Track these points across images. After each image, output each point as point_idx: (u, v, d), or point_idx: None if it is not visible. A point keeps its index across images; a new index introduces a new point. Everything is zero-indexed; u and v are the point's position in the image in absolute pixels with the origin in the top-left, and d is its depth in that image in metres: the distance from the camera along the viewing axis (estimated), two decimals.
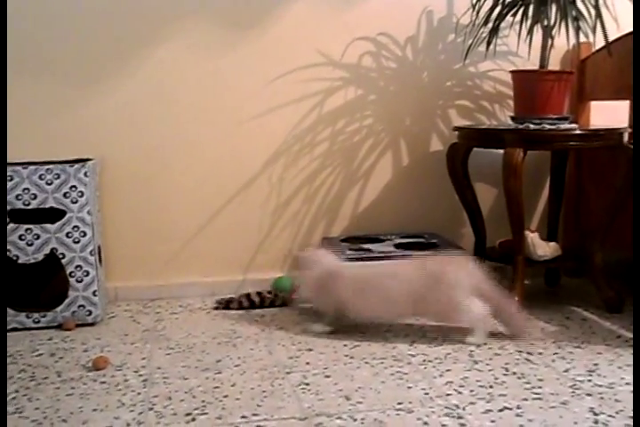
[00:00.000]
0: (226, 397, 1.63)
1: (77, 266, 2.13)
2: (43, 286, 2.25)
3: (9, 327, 2.12)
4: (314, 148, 2.50)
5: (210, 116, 2.42)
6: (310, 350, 1.94)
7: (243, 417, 1.53)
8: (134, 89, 2.36)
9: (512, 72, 2.34)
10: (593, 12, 2.13)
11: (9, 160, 2.25)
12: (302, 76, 2.44)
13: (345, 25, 2.43)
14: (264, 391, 1.66)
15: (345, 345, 1.97)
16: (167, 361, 1.87)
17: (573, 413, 1.53)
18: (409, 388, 1.67)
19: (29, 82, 2.30)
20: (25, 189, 2.07)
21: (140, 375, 1.77)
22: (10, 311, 2.12)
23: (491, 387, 1.67)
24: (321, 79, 2.45)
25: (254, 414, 1.54)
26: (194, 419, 1.52)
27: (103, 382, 1.73)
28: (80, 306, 2.15)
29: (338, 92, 2.47)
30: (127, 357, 1.91)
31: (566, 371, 1.76)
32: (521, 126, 2.19)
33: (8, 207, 2.07)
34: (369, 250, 2.25)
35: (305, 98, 2.46)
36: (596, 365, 1.80)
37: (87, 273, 2.14)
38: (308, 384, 1.70)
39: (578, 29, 2.17)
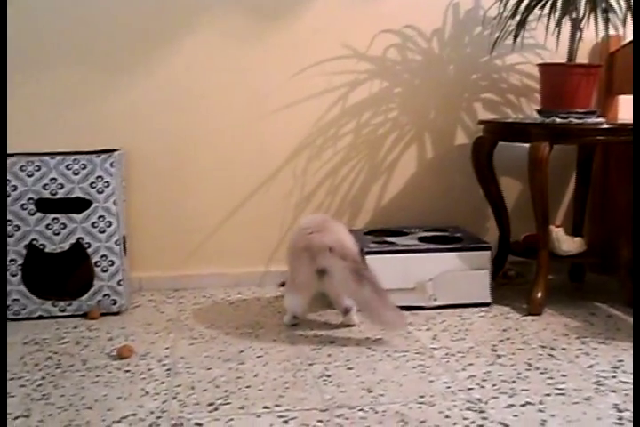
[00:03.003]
0: (248, 387, 1.65)
1: (103, 255, 2.15)
2: (69, 275, 2.27)
3: (35, 315, 2.15)
4: (338, 140, 2.49)
5: (235, 108, 2.42)
6: (332, 342, 1.94)
7: (265, 408, 1.54)
8: (161, 80, 2.37)
9: (539, 65, 2.32)
10: (623, 3, 2.10)
11: (37, 150, 2.28)
12: (327, 69, 2.43)
13: (371, 17, 2.42)
14: (286, 382, 1.67)
15: (367, 338, 1.97)
16: (190, 351, 1.89)
17: (597, 409, 1.52)
18: (431, 381, 1.67)
19: (57, 73, 2.32)
20: (52, 178, 2.09)
21: (164, 365, 1.79)
22: (36, 299, 2.15)
23: (513, 382, 1.67)
24: (346, 72, 2.45)
25: (276, 405, 1.55)
26: (216, 409, 1.54)
27: (127, 371, 1.75)
28: (105, 295, 2.18)
29: (363, 85, 2.47)
30: (151, 346, 1.93)
31: (590, 367, 1.75)
32: (547, 120, 2.17)
33: (35, 197, 2.09)
34: (392, 243, 2.25)
35: (330, 90, 2.45)
36: (620, 361, 1.79)
37: (112, 263, 2.16)
38: (329, 376, 1.71)
39: (607, 22, 2.14)
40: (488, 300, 2.24)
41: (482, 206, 2.54)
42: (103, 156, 2.12)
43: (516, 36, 2.26)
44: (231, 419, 1.49)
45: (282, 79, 2.42)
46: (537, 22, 2.38)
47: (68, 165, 2.10)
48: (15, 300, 2.13)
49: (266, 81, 2.42)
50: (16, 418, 1.50)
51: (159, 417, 1.50)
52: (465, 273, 2.21)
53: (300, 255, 1.95)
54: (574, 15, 2.19)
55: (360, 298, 1.90)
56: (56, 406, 1.56)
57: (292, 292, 2.02)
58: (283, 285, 2.49)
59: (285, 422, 1.47)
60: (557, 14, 2.19)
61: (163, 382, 1.68)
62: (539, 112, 2.28)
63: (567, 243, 2.26)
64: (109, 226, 2.14)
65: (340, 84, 2.45)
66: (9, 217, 2.09)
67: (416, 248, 2.21)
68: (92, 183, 2.11)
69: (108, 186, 2.12)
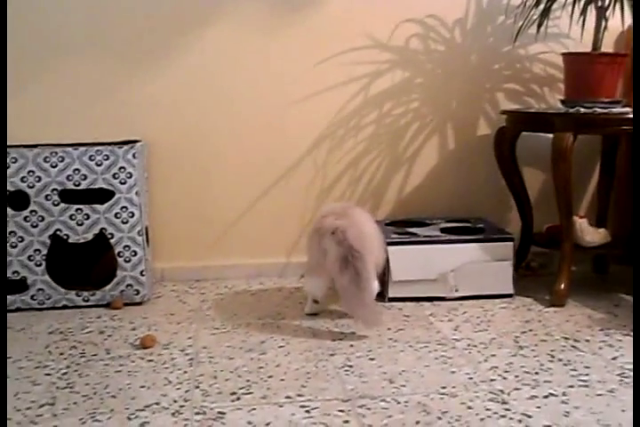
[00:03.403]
0: (270, 377, 1.65)
1: (126, 246, 2.17)
2: (92, 266, 2.29)
3: (60, 305, 2.17)
4: (359, 131, 2.49)
5: (256, 98, 2.42)
6: (354, 333, 1.94)
7: (287, 397, 1.54)
8: (182, 71, 2.38)
9: (563, 54, 2.29)
10: None
11: (59, 141, 2.30)
12: (349, 59, 2.42)
13: (392, 7, 2.40)
14: (308, 373, 1.68)
15: (389, 329, 1.97)
16: (212, 341, 1.90)
17: (621, 401, 1.51)
18: (453, 372, 1.67)
19: (80, 64, 2.34)
20: (75, 169, 2.11)
21: (187, 354, 1.80)
22: (60, 289, 2.17)
23: (536, 373, 1.66)
24: (368, 62, 2.44)
25: (298, 395, 1.55)
26: (239, 398, 1.55)
27: (150, 361, 1.77)
28: (128, 285, 2.19)
29: (384, 75, 2.46)
30: (173, 336, 1.94)
31: (614, 359, 1.74)
32: (571, 110, 2.15)
33: (59, 188, 2.11)
34: (414, 234, 2.24)
35: (351, 81, 2.44)
36: None
37: (135, 253, 2.17)
38: (351, 366, 1.71)
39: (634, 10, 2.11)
40: (510, 291, 2.23)
41: (504, 197, 2.52)
42: (125, 147, 2.13)
43: (539, 25, 2.23)
44: (253, 408, 1.50)
45: (304, 69, 2.42)
46: (561, 11, 2.36)
47: (91, 156, 2.11)
48: (40, 290, 2.15)
49: (288, 71, 2.41)
50: (41, 406, 1.52)
51: (182, 406, 1.51)
52: (487, 264, 2.20)
53: (312, 237, 1.97)
54: (599, 3, 2.15)
55: (339, 286, 1.88)
56: (81, 394, 1.58)
57: (310, 274, 2.05)
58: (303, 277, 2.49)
59: (307, 411, 1.48)
60: (582, 2, 2.16)
61: (185, 372, 1.69)
62: (562, 102, 2.25)
63: (591, 234, 2.24)
64: (132, 217, 2.15)
65: (361, 75, 2.44)
66: (33, 208, 2.11)
67: (438, 239, 2.20)
68: (115, 174, 2.12)
69: (130, 177, 2.13)
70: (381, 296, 2.17)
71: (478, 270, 2.20)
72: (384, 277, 2.16)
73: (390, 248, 2.15)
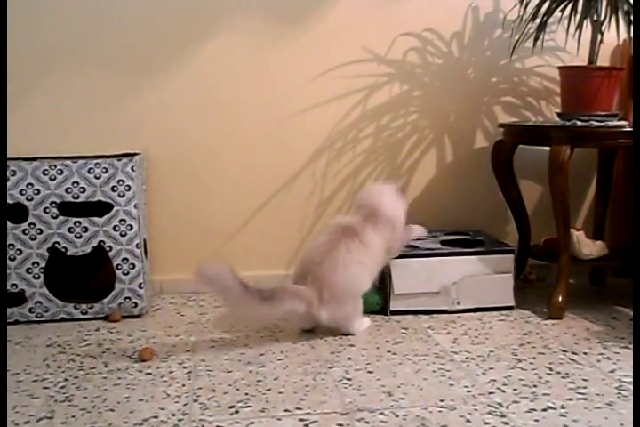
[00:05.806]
0: (269, 390, 1.65)
1: (124, 259, 2.17)
2: (90, 278, 2.29)
3: (58, 318, 2.17)
4: (357, 144, 2.50)
5: (255, 111, 2.43)
6: (352, 345, 1.94)
7: (285, 411, 1.54)
8: (181, 84, 2.39)
9: (560, 68, 2.30)
10: None
11: (59, 154, 2.31)
12: (347, 72, 2.44)
13: (390, 21, 2.42)
14: (307, 386, 1.67)
15: (387, 341, 1.97)
16: (211, 354, 1.89)
17: (619, 414, 1.51)
18: (451, 385, 1.67)
19: (78, 76, 2.35)
20: (74, 182, 2.11)
21: (185, 367, 1.80)
22: (58, 302, 2.17)
23: (534, 386, 1.66)
24: (366, 75, 2.45)
25: (297, 408, 1.55)
26: (237, 411, 1.54)
27: (149, 374, 1.76)
28: (126, 298, 2.19)
29: (382, 88, 2.47)
30: (172, 349, 1.94)
31: (612, 371, 1.74)
32: (568, 123, 2.16)
33: (58, 200, 2.11)
34: (415, 246, 2.24)
35: (349, 94, 2.46)
36: None
37: (133, 266, 2.18)
38: (350, 379, 1.71)
39: (629, 24, 2.13)
40: (511, 303, 2.23)
41: (502, 210, 2.53)
42: (124, 159, 2.13)
43: (536, 39, 2.25)
44: (252, 422, 1.49)
45: (302, 82, 2.43)
46: (557, 25, 2.38)
47: (90, 168, 2.12)
48: (38, 302, 2.15)
49: (286, 84, 2.43)
50: (39, 420, 1.51)
51: (180, 419, 1.51)
52: (489, 277, 2.20)
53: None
54: (595, 18, 2.17)
55: None
56: (79, 407, 1.57)
57: None
58: None
59: (306, 425, 1.47)
60: (578, 17, 2.18)
61: (184, 385, 1.69)
62: (559, 115, 2.27)
63: (588, 246, 2.25)
64: (130, 229, 2.16)
65: (359, 88, 2.46)
66: (32, 220, 2.11)
67: (440, 252, 2.20)
68: (114, 187, 2.13)
69: (129, 189, 2.14)
70: (384, 309, 2.18)
71: (480, 283, 2.20)
72: (386, 290, 2.17)
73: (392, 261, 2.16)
